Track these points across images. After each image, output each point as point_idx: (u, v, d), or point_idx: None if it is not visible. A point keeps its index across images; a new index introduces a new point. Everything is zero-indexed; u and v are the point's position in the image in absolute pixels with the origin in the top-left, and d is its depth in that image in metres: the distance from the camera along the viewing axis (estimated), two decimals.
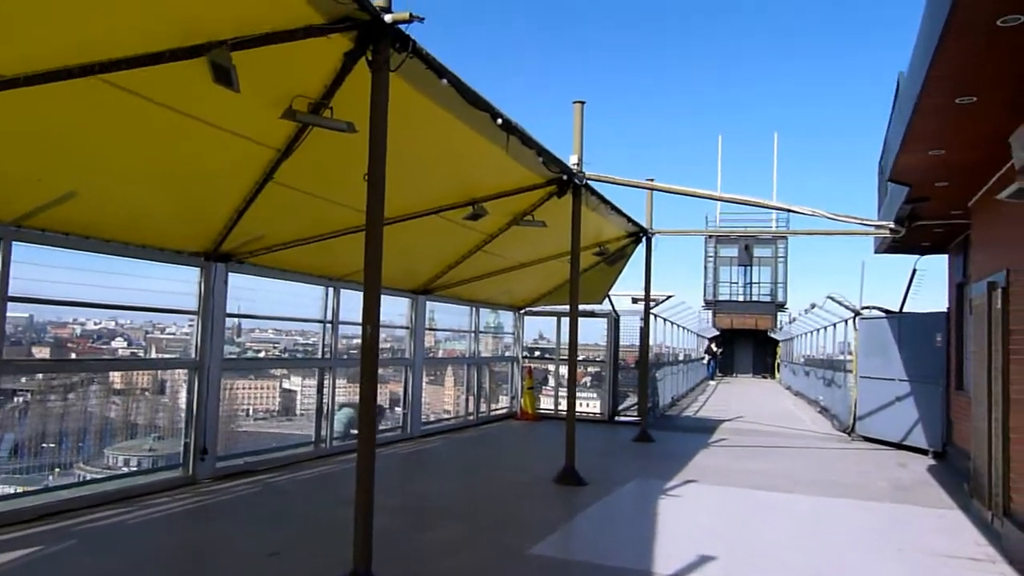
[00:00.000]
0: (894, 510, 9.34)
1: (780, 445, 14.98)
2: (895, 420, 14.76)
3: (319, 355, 11.53)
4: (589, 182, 10.63)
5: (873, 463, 13.03)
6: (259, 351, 13.74)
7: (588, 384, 20.86)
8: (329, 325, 11.56)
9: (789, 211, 10.62)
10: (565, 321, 17.90)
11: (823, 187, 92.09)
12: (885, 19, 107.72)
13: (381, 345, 15.44)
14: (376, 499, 5.63)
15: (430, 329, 14.60)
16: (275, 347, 14.11)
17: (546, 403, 18.86)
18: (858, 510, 9.25)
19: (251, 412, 13.25)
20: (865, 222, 11.30)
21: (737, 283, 50.09)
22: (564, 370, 20.08)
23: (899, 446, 14.52)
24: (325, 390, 11.48)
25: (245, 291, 9.98)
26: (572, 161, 10.33)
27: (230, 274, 9.59)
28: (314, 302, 11.66)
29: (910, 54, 6.43)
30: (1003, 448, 7.78)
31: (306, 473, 10.13)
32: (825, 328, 23.03)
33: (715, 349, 45.64)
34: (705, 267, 50.29)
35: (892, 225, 11.01)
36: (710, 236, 49.33)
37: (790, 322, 29.62)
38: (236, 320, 10.63)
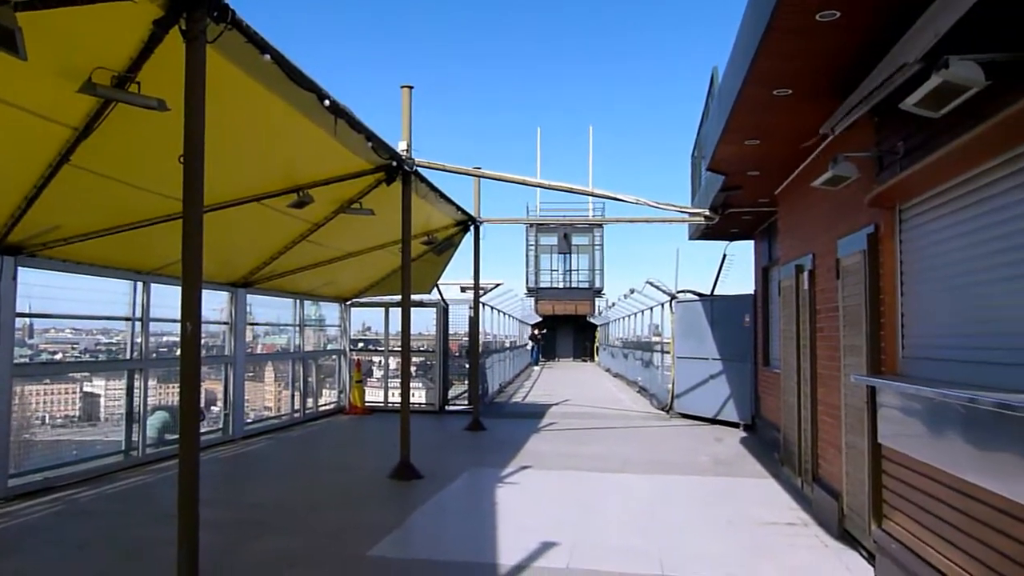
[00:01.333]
0: (717, 483, 9.85)
1: (607, 426, 15.48)
2: (709, 397, 15.68)
3: (127, 355, 10.52)
4: (419, 169, 10.38)
5: (693, 439, 13.76)
6: (55, 353, 12.47)
7: (415, 374, 20.64)
8: (139, 323, 10.57)
9: (613, 199, 10.94)
10: (394, 312, 17.62)
11: (636, 179, 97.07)
12: (696, 18, 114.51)
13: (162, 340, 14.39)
14: (201, 512, 5.13)
15: (250, 324, 13.78)
16: (73, 348, 12.87)
17: (374, 395, 18.44)
18: (687, 486, 9.67)
19: (48, 419, 11.93)
20: (683, 209, 11.84)
21: (557, 270, 51.63)
22: (392, 361, 19.81)
23: (713, 421, 15.45)
24: (136, 393, 10.51)
25: (38, 288, 8.90)
26: (401, 147, 10.04)
27: (19, 269, 8.50)
28: (121, 298, 10.64)
29: (730, 48, 6.70)
30: (811, 420, 8.38)
31: (116, 486, 9.20)
32: (643, 312, 24.16)
33: (538, 335, 46.88)
34: (527, 255, 51.40)
35: (707, 212, 11.59)
36: (531, 225, 50.49)
37: (609, 307, 30.86)
38: (28, 320, 9.47)
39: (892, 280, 6.10)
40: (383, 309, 17.84)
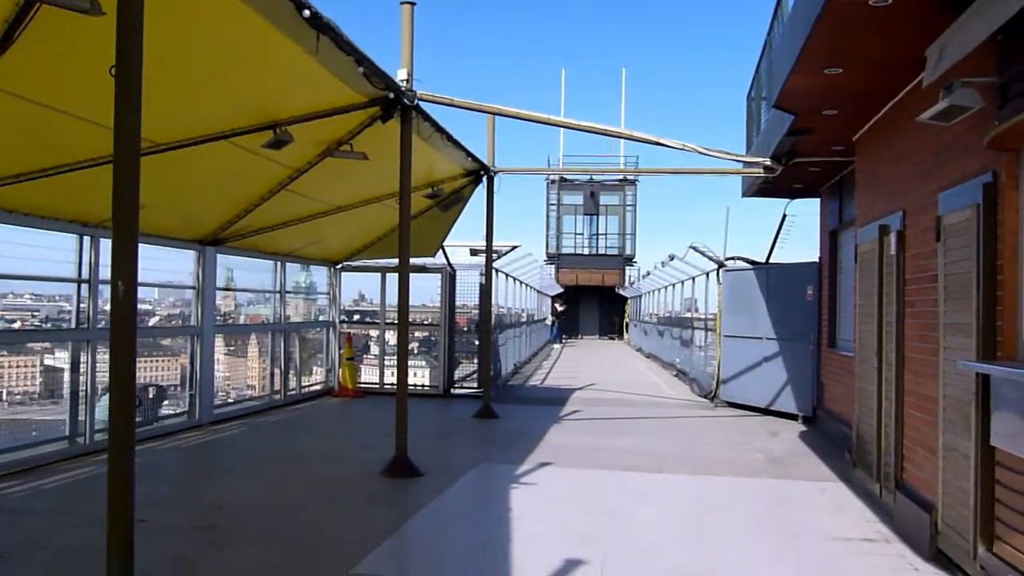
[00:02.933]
0: (774, 487, 9.34)
1: (639, 416, 14.98)
2: (761, 383, 15.12)
3: (73, 324, 10.06)
4: (421, 103, 9.78)
5: (742, 432, 13.22)
6: (13, 321, 12.17)
7: (416, 351, 20.20)
8: (86, 285, 10.08)
9: (654, 143, 10.29)
10: (391, 278, 17.10)
11: (675, 132, 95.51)
12: None
13: (162, 311, 14.01)
14: (152, 514, 4.65)
15: (224, 289, 13.30)
16: (34, 315, 12.56)
17: (369, 375, 18.02)
18: (737, 490, 9.15)
19: (4, 395, 11.62)
20: (738, 158, 11.20)
21: (582, 234, 51.01)
22: (390, 335, 19.34)
23: (766, 411, 14.90)
24: (83, 369, 10.06)
25: None
26: (401, 76, 9.44)
27: None
28: (67, 255, 10.17)
29: None
30: (895, 414, 7.80)
31: (56, 480, 8.76)
32: (682, 282, 23.54)
33: (559, 309, 46.31)
34: (547, 216, 50.82)
35: (767, 162, 10.95)
36: (553, 180, 49.75)
37: (644, 276, 30.25)
38: None
39: (1014, 242, 5.47)
40: (379, 274, 17.33)
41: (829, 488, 9.24)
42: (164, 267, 12.38)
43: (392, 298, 18.16)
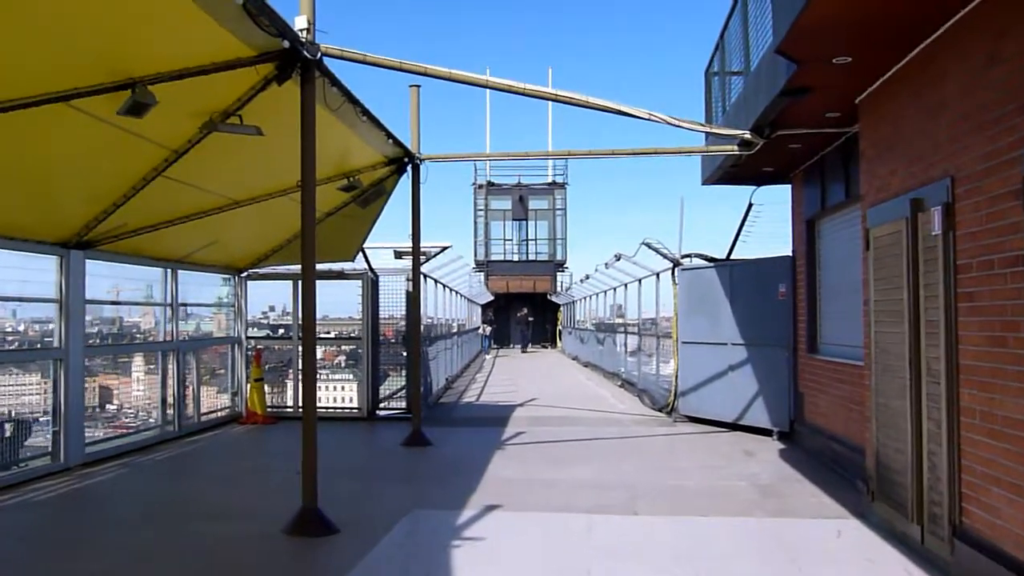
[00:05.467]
0: (777, 530, 7.54)
1: (593, 436, 13.12)
2: (728, 395, 13.42)
3: None
4: (327, 61, 7.73)
5: (714, 453, 11.47)
6: None
7: (343, 365, 18.04)
8: None
9: (618, 112, 8.46)
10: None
11: (605, 133, 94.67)
12: None
13: (12, 328, 11.59)
14: None
15: (95, 302, 10.97)
16: None
17: (288, 397, 15.75)
18: (733, 535, 7.35)
19: None
20: (714, 130, 9.45)
21: (512, 240, 49.18)
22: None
23: (735, 426, 13.19)
24: None
25: None
26: (299, 25, 7.35)
27: None
28: None
29: None
30: (948, 440, 6.05)
31: None
32: (626, 285, 21.82)
33: (493, 319, 44.49)
34: (475, 222, 48.82)
35: (747, 135, 9.20)
36: (480, 186, 47.89)
37: (583, 279, 28.46)
38: None
39: None
40: (291, 282, 15.10)
41: (845, 529, 7.48)
42: (20, 276, 10.05)
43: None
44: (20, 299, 10.11)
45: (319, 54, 7.44)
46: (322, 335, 17.90)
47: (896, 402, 7.05)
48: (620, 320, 24.62)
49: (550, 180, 48.45)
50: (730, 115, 10.75)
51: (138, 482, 9.82)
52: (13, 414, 10.87)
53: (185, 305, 13.38)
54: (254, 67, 7.34)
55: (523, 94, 8.22)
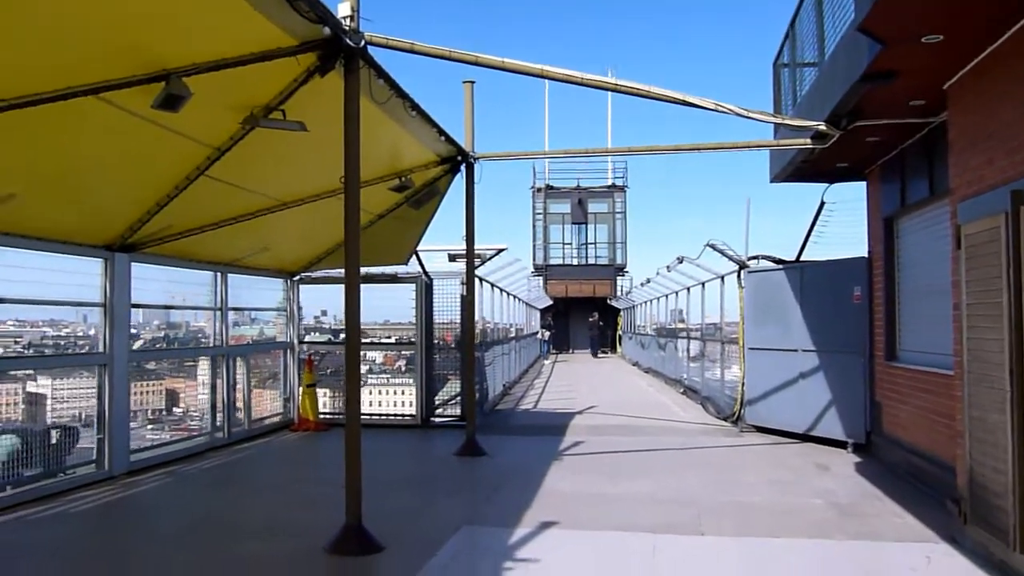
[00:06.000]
0: (860, 555, 6.91)
1: (653, 447, 12.51)
2: (798, 404, 12.70)
3: None
4: (371, 50, 7.33)
5: (783, 467, 10.79)
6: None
7: (404, 369, 17.71)
8: None
9: (683, 102, 7.91)
10: (362, 291, 14.69)
11: (663, 136, 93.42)
12: None
13: (60, 333, 11.47)
14: None
15: (137, 306, 10.72)
16: (16, 341, 11.16)
17: (341, 403, 15.44)
18: (810, 561, 6.74)
19: None
20: (785, 121, 8.82)
21: (571, 244, 48.57)
22: (375, 355, 16.95)
23: (805, 437, 12.47)
24: None
25: None
26: (343, 12, 6.96)
27: None
28: None
29: None
30: None
31: None
32: (688, 289, 21.12)
33: (552, 323, 44.00)
34: (534, 227, 48.33)
35: (822, 126, 8.54)
36: (539, 190, 47.44)
37: (644, 283, 27.76)
38: None
39: None
40: (343, 286, 14.73)
41: (935, 554, 6.80)
42: (51, 278, 9.84)
43: (371, 314, 15.91)
44: (63, 303, 9.85)
45: (363, 42, 7.04)
46: (376, 340, 17.69)
47: (994, 416, 6.36)
48: (681, 325, 23.91)
49: (610, 183, 47.79)
50: (802, 107, 10.09)
51: (181, 493, 9.52)
52: (60, 421, 10.68)
53: (235, 309, 13.12)
54: (295, 58, 6.94)
55: (581, 84, 7.71)
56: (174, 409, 13.99)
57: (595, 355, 43.40)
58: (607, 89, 7.79)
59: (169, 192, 9.02)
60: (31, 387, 11.05)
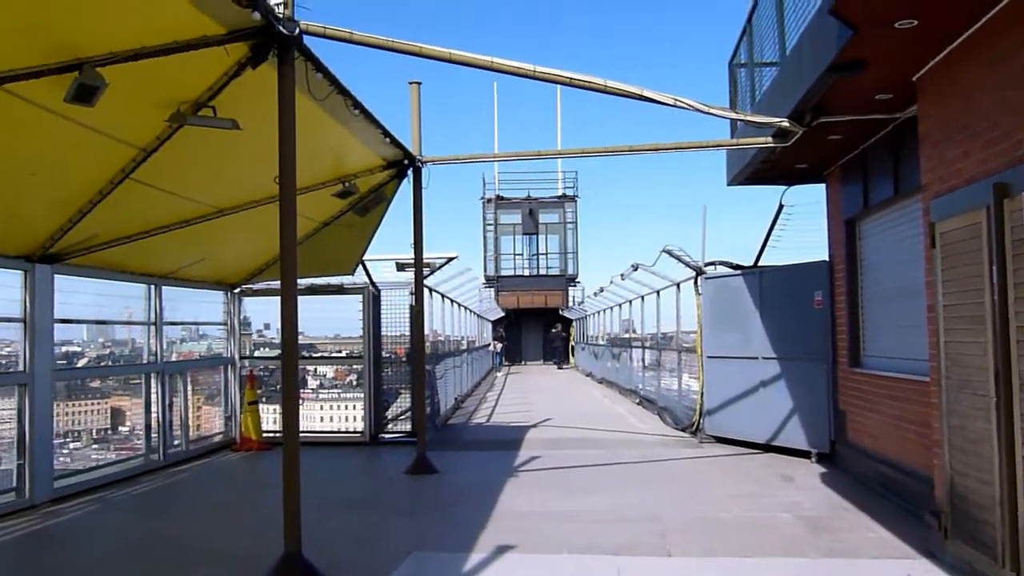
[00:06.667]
0: (837, 572, 6.51)
1: (613, 460, 12.05)
2: (759, 414, 12.34)
3: None
4: (309, 41, 6.78)
5: (748, 478, 10.41)
6: None
7: (356, 384, 17.05)
8: None
9: (640, 97, 7.48)
10: (303, 303, 14.04)
11: (612, 140, 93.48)
12: None
13: None
14: None
15: (61, 321, 9.97)
16: None
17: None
18: None
19: None
20: (747, 117, 8.43)
21: (522, 255, 48.19)
22: (326, 369, 16.30)
23: (767, 448, 12.12)
24: None
25: None
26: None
27: None
28: None
29: None
30: None
31: None
32: (643, 297, 20.78)
33: (504, 334, 43.58)
34: (484, 237, 47.87)
35: (785, 123, 8.18)
36: (488, 200, 47.01)
37: (597, 293, 27.36)
38: None
39: None
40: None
41: (915, 571, 6.46)
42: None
43: (310, 328, 15.35)
44: None
45: (297, 31, 6.47)
46: (327, 355, 17.02)
47: (977, 424, 5.99)
48: (633, 335, 23.60)
49: (560, 193, 47.57)
50: (762, 105, 9.73)
51: (108, 521, 8.76)
52: None
53: (171, 324, 12.39)
54: (224, 48, 6.38)
55: (533, 77, 7.24)
56: (120, 428, 13.20)
57: (560, 367, 43.22)
58: (561, 83, 7.34)
59: (92, 197, 8.35)
60: None
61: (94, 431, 13.05)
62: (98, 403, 13.25)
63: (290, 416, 6.71)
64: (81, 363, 12.95)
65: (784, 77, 8.70)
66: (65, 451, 12.60)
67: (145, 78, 6.56)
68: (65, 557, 7.43)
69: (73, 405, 12.65)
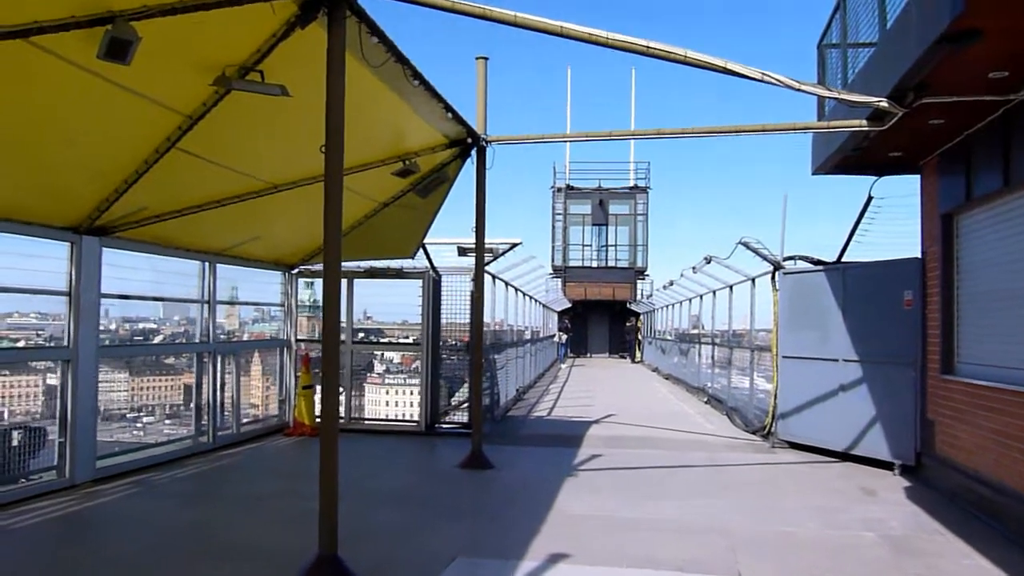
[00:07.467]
0: None
1: (678, 463, 11.37)
2: (838, 419, 11.51)
3: None
4: (363, 1, 6.27)
5: (823, 490, 9.63)
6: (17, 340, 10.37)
7: (402, 372, 16.70)
8: None
9: (725, 71, 6.80)
10: (363, 285, 13.81)
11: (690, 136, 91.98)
12: None
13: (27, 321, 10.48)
14: None
15: (109, 296, 9.69)
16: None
17: (351, 407, 14.41)
18: None
19: None
20: (840, 95, 7.64)
21: (591, 246, 47.47)
22: (392, 355, 16.02)
23: (845, 456, 11.30)
24: None
25: None
26: None
27: None
28: None
29: None
30: None
31: None
32: (714, 292, 19.93)
33: (569, 325, 43.05)
34: (553, 227, 47.27)
35: (883, 103, 7.39)
36: (559, 189, 46.40)
37: (667, 286, 26.56)
38: None
39: None
40: (345, 280, 13.74)
41: None
42: (28, 264, 8.83)
43: (375, 309, 15.17)
44: (21, 290, 8.78)
45: None
46: (394, 340, 16.64)
47: None
48: (701, 331, 22.76)
49: (632, 184, 46.75)
50: (856, 86, 8.93)
51: (144, 506, 8.39)
52: (23, 421, 9.68)
53: (223, 303, 12.09)
54: (271, 5, 5.90)
55: (606, 45, 6.60)
56: (191, 404, 13.08)
57: (633, 360, 43.16)
58: (637, 52, 6.68)
59: (138, 167, 8.00)
60: None
61: (168, 407, 13.00)
62: (172, 379, 13.19)
63: (330, 406, 6.23)
64: (157, 340, 12.85)
65: (884, 52, 7.88)
66: (139, 424, 12.54)
67: (186, 37, 6.15)
68: (88, 545, 7.09)
69: (148, 380, 12.64)
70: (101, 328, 10.46)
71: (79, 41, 5.56)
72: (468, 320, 14.13)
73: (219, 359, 11.72)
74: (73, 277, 8.87)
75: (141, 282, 10.86)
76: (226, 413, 12.06)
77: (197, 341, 11.49)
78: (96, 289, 9.16)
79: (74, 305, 8.84)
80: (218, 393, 11.63)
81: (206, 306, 11.53)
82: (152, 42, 5.76)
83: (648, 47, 6.68)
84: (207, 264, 11.51)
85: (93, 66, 5.89)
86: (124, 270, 10.32)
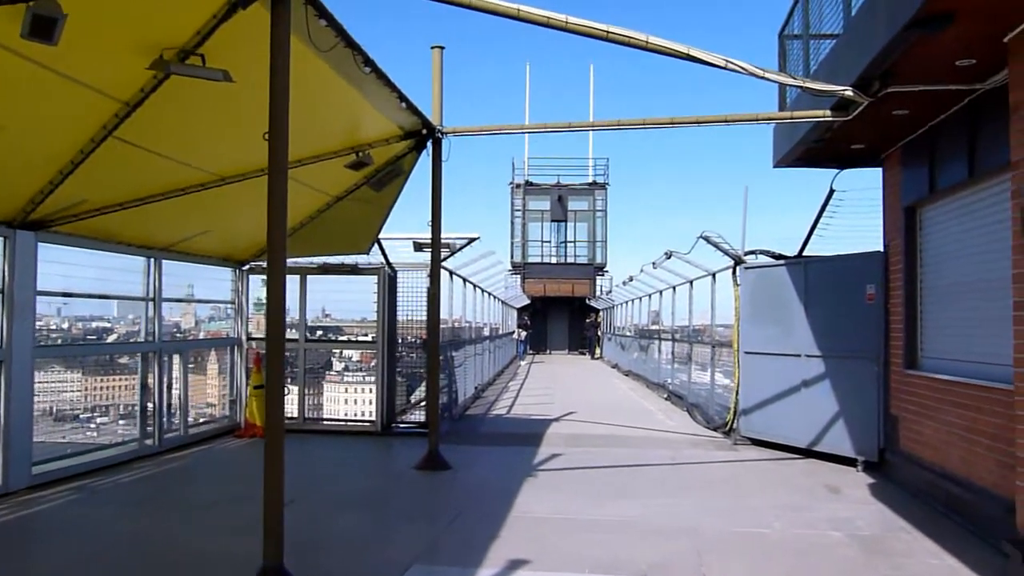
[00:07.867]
0: None
1: (640, 461, 11.16)
2: (800, 415, 11.39)
3: None
4: None
5: (790, 488, 9.46)
6: None
7: (355, 371, 16.31)
8: None
9: (687, 57, 6.57)
10: (317, 282, 13.39)
11: (650, 132, 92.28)
12: None
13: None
14: None
15: (43, 294, 9.19)
16: None
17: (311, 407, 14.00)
18: None
19: None
20: (804, 84, 7.45)
21: (550, 242, 47.32)
22: (351, 352, 15.65)
23: (808, 453, 11.17)
24: None
25: None
26: None
27: None
28: None
29: None
30: None
31: None
32: (674, 288, 19.80)
33: (528, 322, 42.89)
34: (512, 223, 47.01)
35: (848, 92, 7.21)
36: (517, 186, 46.15)
37: (626, 282, 26.43)
38: None
39: None
40: (297, 277, 13.31)
41: None
42: None
43: (333, 306, 14.78)
44: None
45: None
46: (353, 338, 16.23)
47: None
48: (657, 327, 22.68)
49: (590, 180, 46.64)
50: (819, 76, 8.76)
51: (83, 515, 7.92)
52: None
53: (170, 300, 11.61)
54: None
55: (565, 29, 6.34)
56: (148, 405, 12.60)
57: (593, 356, 43.16)
58: (597, 36, 6.42)
59: (73, 157, 7.56)
60: None
61: (122, 407, 12.48)
62: (127, 379, 12.66)
63: (274, 409, 5.90)
64: (111, 339, 12.31)
65: (849, 40, 7.71)
66: (92, 425, 12.00)
67: (119, 17, 5.76)
68: (21, 556, 6.67)
69: (103, 380, 12.11)
70: (52, 327, 10.00)
71: (2, 19, 5.16)
72: (422, 319, 13.84)
73: (166, 358, 11.26)
74: (6, 274, 8.38)
75: (84, 279, 10.42)
76: (174, 414, 11.61)
77: (142, 340, 11.01)
78: (32, 286, 8.68)
79: (7, 303, 8.36)
80: (164, 394, 11.17)
81: (151, 304, 11.06)
82: (82, 21, 5.39)
83: (608, 32, 6.43)
84: (152, 260, 11.04)
85: (19, 47, 5.49)
86: (66, 267, 9.89)
